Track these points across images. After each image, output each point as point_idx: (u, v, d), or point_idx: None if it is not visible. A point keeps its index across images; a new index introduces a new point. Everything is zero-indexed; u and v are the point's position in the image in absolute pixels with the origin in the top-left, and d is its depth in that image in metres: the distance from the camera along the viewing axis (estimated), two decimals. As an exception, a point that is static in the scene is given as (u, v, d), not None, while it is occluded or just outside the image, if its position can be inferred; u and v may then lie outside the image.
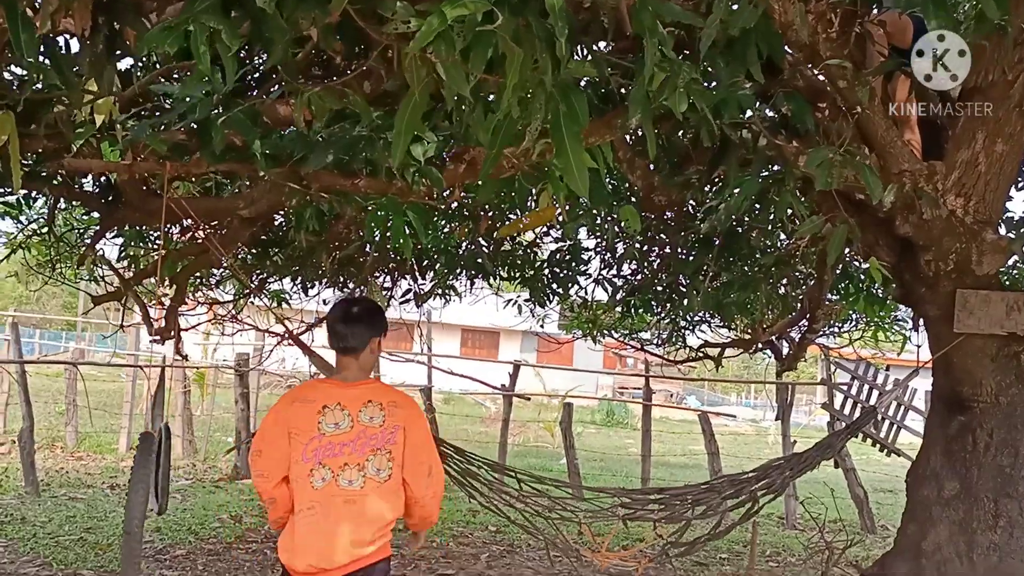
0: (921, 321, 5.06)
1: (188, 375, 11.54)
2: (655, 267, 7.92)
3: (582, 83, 3.63)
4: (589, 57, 3.47)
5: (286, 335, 4.87)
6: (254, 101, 3.40)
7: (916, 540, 4.95)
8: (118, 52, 2.85)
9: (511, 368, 10.82)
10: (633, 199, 6.33)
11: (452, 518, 8.53)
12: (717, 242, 6.59)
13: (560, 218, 6.22)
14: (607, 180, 6.02)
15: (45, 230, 5.74)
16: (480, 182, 3.99)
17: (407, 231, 3.99)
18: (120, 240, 6.23)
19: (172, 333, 5.97)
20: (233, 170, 3.92)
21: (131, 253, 6.04)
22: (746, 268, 6.97)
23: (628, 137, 4.73)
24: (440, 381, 16.81)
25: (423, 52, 2.18)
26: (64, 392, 11.38)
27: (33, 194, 5.50)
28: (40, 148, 3.70)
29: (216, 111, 3.27)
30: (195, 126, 3.39)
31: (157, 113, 3.69)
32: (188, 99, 3.23)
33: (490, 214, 6.71)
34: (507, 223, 6.42)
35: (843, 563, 7.34)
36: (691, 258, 7.16)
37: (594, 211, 6.76)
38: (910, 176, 4.24)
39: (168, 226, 5.81)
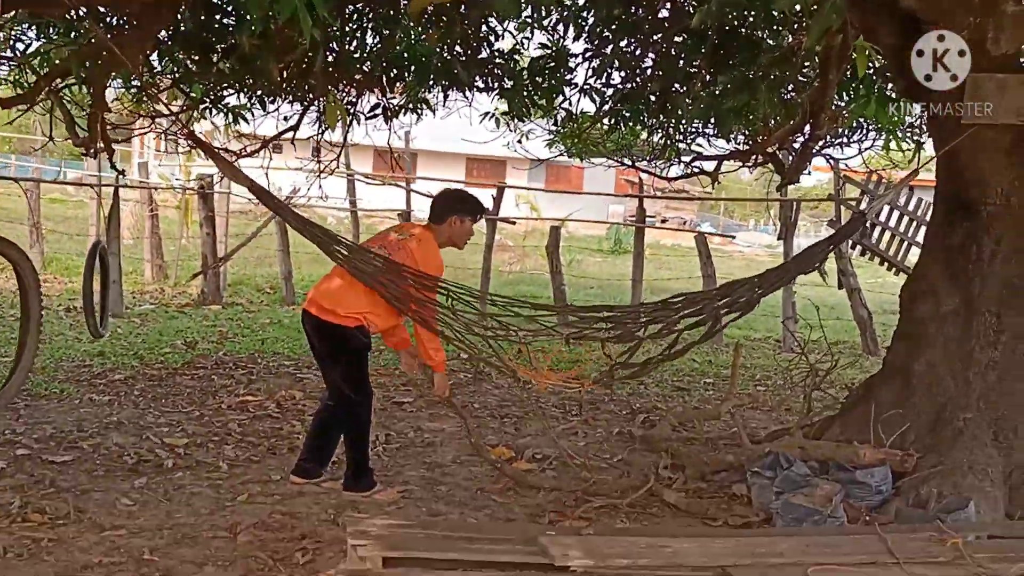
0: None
1: (154, 197, 11.06)
2: (647, 73, 7.17)
3: None
4: None
5: (185, 132, 4.31)
6: None
7: (906, 360, 4.53)
8: None
9: (494, 192, 10.23)
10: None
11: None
12: (711, 40, 5.90)
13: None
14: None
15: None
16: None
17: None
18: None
19: (100, 144, 5.42)
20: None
21: (41, 50, 5.42)
22: (744, 70, 6.26)
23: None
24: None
25: None
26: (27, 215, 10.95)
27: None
28: None
29: None
30: None
31: None
32: None
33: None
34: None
35: (838, 385, 7.01)
36: (683, 60, 6.46)
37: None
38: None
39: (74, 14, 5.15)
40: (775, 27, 6.18)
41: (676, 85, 6.85)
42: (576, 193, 18.46)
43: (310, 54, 6.01)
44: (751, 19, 6.01)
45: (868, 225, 9.12)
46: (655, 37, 6.64)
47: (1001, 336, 4.19)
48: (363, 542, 3.11)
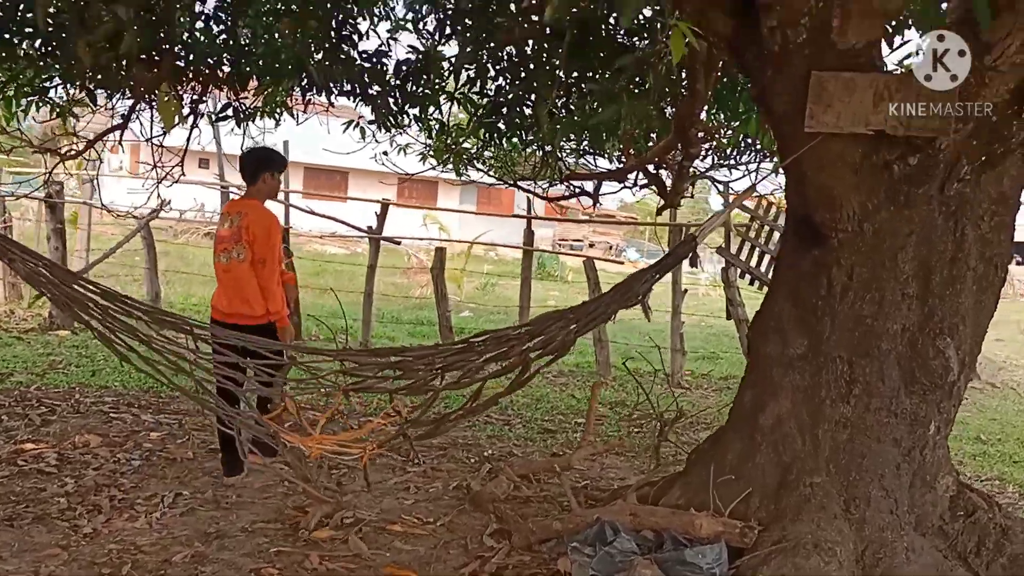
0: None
1: (7, 207, 10.03)
2: (518, 78, 6.43)
3: None
4: None
5: None
6: None
7: (753, 412, 3.82)
8: None
9: (379, 208, 9.41)
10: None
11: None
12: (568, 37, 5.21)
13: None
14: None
15: None
16: None
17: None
18: None
19: None
20: None
21: None
22: (606, 76, 5.57)
23: None
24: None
25: None
26: None
27: None
28: None
29: None
30: None
31: None
32: None
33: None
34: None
35: (716, 426, 6.31)
36: (542, 61, 5.76)
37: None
38: None
39: None
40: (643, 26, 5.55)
41: (536, 93, 6.15)
42: (487, 215, 17.76)
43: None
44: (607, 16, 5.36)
45: (758, 252, 8.55)
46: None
47: (853, 388, 3.50)
48: None
